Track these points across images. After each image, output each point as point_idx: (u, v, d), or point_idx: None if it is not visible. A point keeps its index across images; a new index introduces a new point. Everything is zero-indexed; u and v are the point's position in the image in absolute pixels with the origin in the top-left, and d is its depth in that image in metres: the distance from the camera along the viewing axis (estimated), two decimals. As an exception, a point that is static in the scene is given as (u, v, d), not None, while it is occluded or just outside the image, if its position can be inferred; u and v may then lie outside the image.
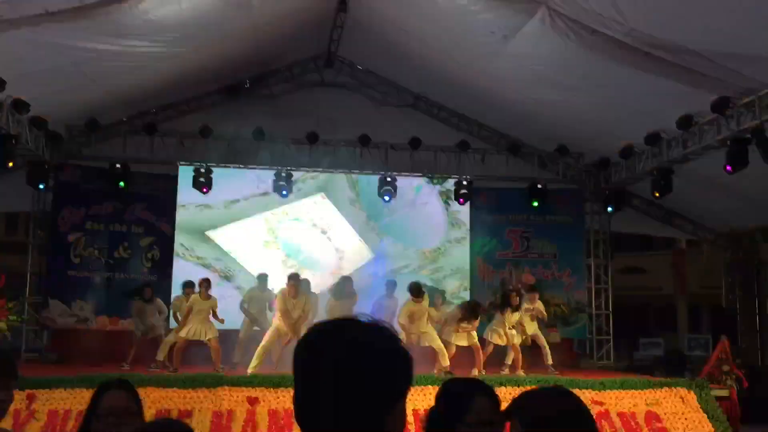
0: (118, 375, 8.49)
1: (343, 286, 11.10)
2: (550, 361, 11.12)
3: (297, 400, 1.35)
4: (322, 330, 1.38)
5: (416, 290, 10.54)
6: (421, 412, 7.74)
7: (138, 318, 11.04)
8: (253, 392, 8.53)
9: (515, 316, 10.85)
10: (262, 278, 11.50)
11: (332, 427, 1.29)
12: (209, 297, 10.39)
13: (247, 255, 12.81)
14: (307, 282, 11.09)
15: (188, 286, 10.86)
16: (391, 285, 11.57)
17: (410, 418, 8.61)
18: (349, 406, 1.28)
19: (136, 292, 11.35)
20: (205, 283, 10.49)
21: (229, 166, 12.84)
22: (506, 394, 9.00)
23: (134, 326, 11.08)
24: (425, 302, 10.58)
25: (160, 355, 10.50)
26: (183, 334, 10.19)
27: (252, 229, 13.06)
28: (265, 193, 13.03)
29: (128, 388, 2.70)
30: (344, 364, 1.29)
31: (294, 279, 10.19)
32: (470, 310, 10.75)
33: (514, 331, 10.85)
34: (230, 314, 10.97)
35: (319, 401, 1.30)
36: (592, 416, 1.69)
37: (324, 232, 13.28)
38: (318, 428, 1.31)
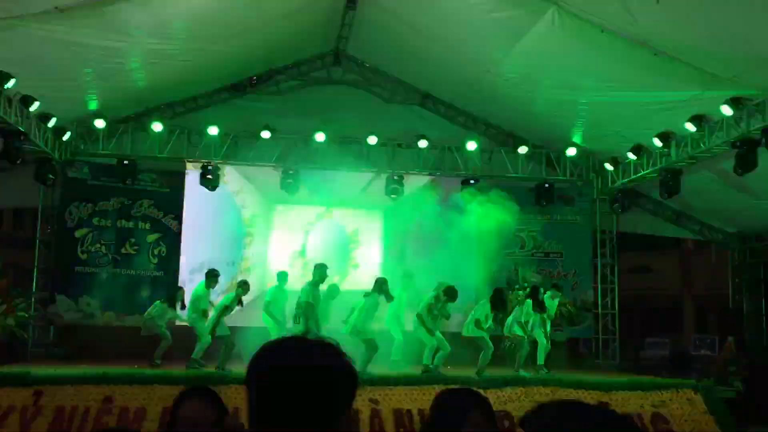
0: (133, 371, 8.54)
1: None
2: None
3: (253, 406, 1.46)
4: (271, 348, 1.52)
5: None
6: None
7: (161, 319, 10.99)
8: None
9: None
10: (282, 276, 11.44)
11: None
12: None
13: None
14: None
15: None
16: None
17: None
18: (296, 420, 1.41)
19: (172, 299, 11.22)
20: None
21: (236, 163, 12.84)
22: (512, 395, 9.00)
23: (157, 326, 10.92)
24: None
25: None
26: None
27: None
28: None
29: (206, 395, 2.60)
30: (288, 381, 1.42)
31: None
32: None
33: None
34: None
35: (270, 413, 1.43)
36: None
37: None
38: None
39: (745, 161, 9.30)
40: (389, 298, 10.30)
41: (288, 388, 1.42)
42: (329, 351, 1.49)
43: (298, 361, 1.45)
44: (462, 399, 2.44)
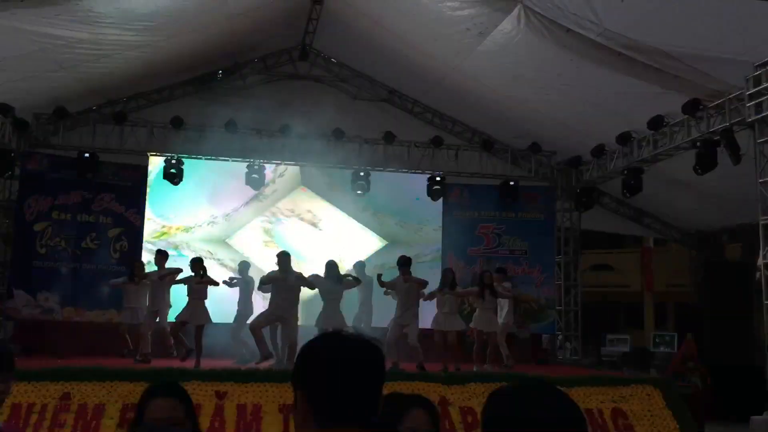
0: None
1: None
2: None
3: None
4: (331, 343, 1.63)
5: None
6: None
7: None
8: (222, 387, 8.45)
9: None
10: (244, 265, 11.25)
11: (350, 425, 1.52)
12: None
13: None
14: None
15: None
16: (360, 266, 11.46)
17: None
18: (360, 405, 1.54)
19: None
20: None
21: (201, 158, 12.71)
22: (475, 391, 9.04)
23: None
24: None
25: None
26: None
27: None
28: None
29: (177, 393, 2.51)
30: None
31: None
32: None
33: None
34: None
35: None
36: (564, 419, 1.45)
37: (314, 225, 13.24)
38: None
39: (705, 161, 9.47)
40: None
41: (341, 380, 1.53)
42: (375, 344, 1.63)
43: (363, 355, 1.58)
44: (400, 399, 2.42)
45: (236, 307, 10.98)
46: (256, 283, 10.52)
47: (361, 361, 1.58)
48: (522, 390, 1.53)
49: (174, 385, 2.57)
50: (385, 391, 1.63)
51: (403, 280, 10.08)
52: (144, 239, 12.62)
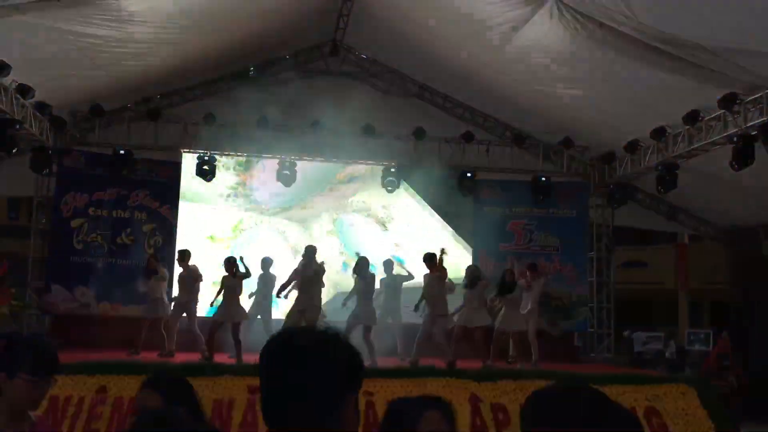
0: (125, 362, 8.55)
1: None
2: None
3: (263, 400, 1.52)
4: (280, 337, 1.59)
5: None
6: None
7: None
8: (254, 381, 8.51)
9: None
10: (267, 262, 11.32)
11: (295, 424, 1.46)
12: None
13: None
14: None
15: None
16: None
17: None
18: (305, 403, 1.46)
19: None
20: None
21: (233, 154, 12.83)
22: (506, 388, 9.01)
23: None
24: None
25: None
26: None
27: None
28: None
29: (154, 385, 2.61)
30: (297, 366, 1.48)
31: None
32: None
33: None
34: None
35: (281, 400, 1.48)
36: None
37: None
38: (283, 425, 1.48)
39: (742, 157, 9.30)
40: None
41: (284, 376, 1.47)
42: (330, 341, 1.54)
43: (295, 349, 1.50)
44: (416, 401, 2.41)
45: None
46: (277, 281, 10.83)
47: (308, 356, 1.49)
48: (569, 394, 1.42)
49: (156, 376, 2.70)
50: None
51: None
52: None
